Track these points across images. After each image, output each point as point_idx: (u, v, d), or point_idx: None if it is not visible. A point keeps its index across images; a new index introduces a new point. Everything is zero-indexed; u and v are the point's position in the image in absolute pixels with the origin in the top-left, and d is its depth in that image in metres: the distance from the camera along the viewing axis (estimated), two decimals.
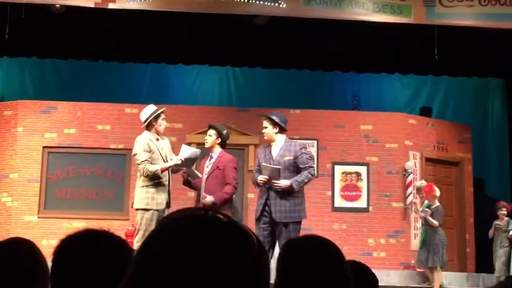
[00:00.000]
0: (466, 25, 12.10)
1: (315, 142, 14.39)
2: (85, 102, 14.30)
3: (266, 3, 11.63)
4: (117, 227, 12.17)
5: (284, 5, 11.67)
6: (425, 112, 15.80)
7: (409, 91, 17.06)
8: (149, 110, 8.90)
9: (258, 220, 8.53)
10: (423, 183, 12.47)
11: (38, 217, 13.31)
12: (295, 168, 8.53)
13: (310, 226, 13.45)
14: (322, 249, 2.30)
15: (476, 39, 12.99)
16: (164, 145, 8.91)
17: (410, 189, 14.14)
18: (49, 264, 2.37)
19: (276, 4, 11.65)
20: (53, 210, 12.97)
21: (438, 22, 12.05)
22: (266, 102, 15.40)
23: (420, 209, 12.15)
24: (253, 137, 14.15)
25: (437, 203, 11.71)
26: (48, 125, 13.95)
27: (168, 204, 8.71)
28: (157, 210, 8.54)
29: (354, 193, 13.42)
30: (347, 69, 14.78)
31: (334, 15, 11.92)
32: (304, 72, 15.03)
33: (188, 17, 12.23)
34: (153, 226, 8.28)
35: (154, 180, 8.60)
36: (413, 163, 14.39)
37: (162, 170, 8.58)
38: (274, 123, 8.71)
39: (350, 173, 14.18)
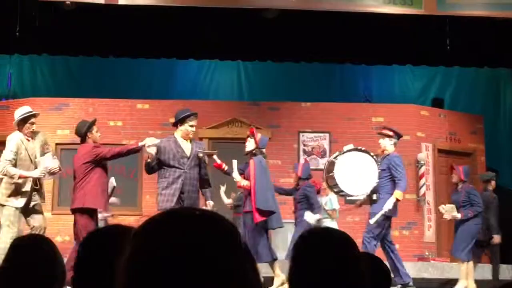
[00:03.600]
0: (477, 15, 12.04)
1: (327, 135, 14.39)
2: (97, 98, 14.34)
3: None
4: (131, 222, 12.19)
5: None
6: (437, 103, 15.77)
7: (421, 82, 17.01)
8: (21, 111, 9.15)
9: None
10: None
11: (52, 214, 13.36)
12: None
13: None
14: (336, 241, 2.30)
15: (487, 29, 12.93)
16: (35, 145, 9.09)
17: (423, 181, 14.11)
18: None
19: None
20: (67, 206, 12.88)
21: (449, 12, 11.98)
22: (277, 95, 15.41)
23: None
24: (265, 131, 14.14)
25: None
26: (60, 122, 14.00)
27: (25, 208, 8.92)
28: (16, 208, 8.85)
29: None
30: (358, 61, 14.74)
31: (344, 7, 11.88)
32: (315, 65, 15.00)
33: (197, 12, 12.22)
34: (14, 221, 8.71)
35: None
36: (425, 154, 14.36)
37: (20, 177, 8.77)
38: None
39: None
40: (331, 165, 9.75)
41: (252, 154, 9.58)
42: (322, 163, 14.16)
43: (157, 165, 8.89)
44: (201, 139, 14.02)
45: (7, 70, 16.39)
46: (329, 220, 11.33)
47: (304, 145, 14.39)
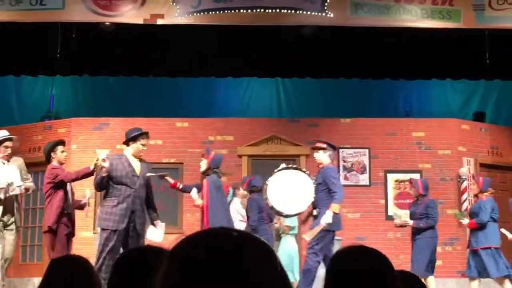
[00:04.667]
0: None
1: (367, 150, 14.31)
2: (137, 117, 14.43)
3: (313, 13, 11.61)
4: (171, 240, 12.21)
5: (331, 15, 11.64)
6: (479, 117, 15.58)
7: (462, 96, 16.84)
8: None
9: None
10: None
11: (94, 233, 13.44)
12: None
13: (364, 235, 13.40)
14: (370, 261, 2.27)
15: None
16: (11, 169, 9.35)
17: (465, 196, 13.95)
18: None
19: (323, 14, 11.62)
20: None
21: (488, 25, 11.87)
22: (316, 112, 15.37)
23: None
24: (304, 148, 14.12)
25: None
26: (101, 142, 14.12)
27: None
28: None
29: (407, 201, 13.25)
30: (397, 76, 14.65)
31: (382, 23, 11.83)
32: (354, 81, 14.96)
33: (235, 30, 12.27)
34: None
35: None
36: (467, 169, 14.19)
37: None
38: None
39: (403, 181, 14.04)
40: (264, 189, 9.76)
41: (205, 174, 9.65)
42: (362, 179, 14.10)
43: (107, 182, 8.86)
44: (240, 156, 14.05)
45: (50, 92, 16.60)
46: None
47: (344, 161, 14.32)
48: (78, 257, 3.22)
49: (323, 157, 9.77)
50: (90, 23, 11.72)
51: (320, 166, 9.76)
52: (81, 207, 10.01)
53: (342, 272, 2.27)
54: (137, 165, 8.96)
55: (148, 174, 9.07)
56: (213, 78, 15.14)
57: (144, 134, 9.12)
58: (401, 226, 11.27)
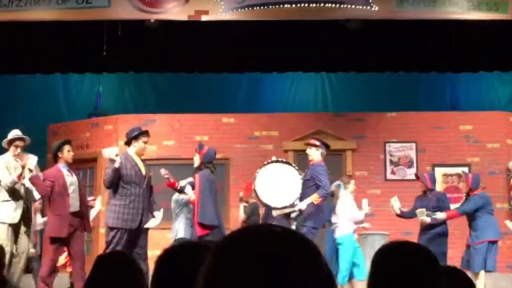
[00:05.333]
0: None
1: (414, 144, 14.18)
2: (183, 113, 14.51)
3: (358, 7, 11.54)
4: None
5: (377, 8, 11.55)
6: None
7: (510, 88, 16.60)
8: (11, 133, 9.66)
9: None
10: None
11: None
12: None
13: (412, 230, 13.26)
14: (415, 257, 2.25)
15: None
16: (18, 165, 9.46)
17: None
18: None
19: (368, 7, 11.54)
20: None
21: None
22: (362, 106, 15.29)
23: None
24: (349, 142, 14.06)
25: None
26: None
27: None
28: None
29: (456, 195, 13.11)
30: (444, 69, 14.48)
31: (428, 16, 11.71)
32: (400, 74, 14.83)
33: (280, 25, 12.25)
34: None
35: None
36: None
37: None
38: None
39: (451, 175, 13.90)
40: (254, 180, 9.84)
41: (198, 169, 9.68)
42: (409, 173, 13.98)
43: (117, 180, 8.98)
44: (285, 151, 14.03)
45: (96, 89, 16.79)
46: None
47: (391, 155, 14.22)
48: (124, 253, 3.25)
49: (315, 154, 9.90)
50: (136, 21, 11.80)
51: (311, 162, 9.87)
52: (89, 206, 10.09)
53: (387, 267, 2.24)
54: (141, 164, 9.14)
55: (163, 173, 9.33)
56: (259, 73, 15.15)
57: (145, 133, 9.31)
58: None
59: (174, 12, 11.57)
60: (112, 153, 9.02)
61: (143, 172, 9.06)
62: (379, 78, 15.26)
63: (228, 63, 13.81)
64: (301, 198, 9.54)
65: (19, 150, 9.58)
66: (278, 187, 9.63)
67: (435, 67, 14.37)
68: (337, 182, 10.64)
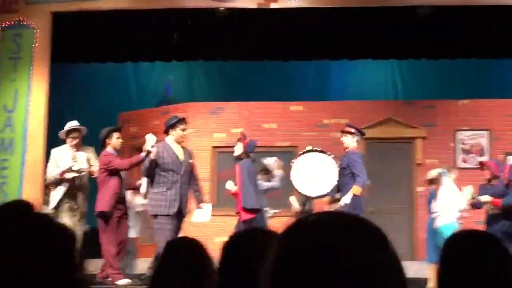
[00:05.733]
0: None
1: (486, 132, 13.92)
2: (251, 101, 14.54)
3: None
4: (284, 223, 12.24)
5: None
6: None
7: None
8: (67, 125, 10.04)
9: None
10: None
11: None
12: None
13: (484, 219, 13.03)
14: (484, 247, 2.20)
15: None
16: (80, 156, 9.90)
17: None
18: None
19: None
20: (224, 208, 13.22)
21: None
22: (432, 93, 15.07)
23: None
24: (420, 130, 13.88)
25: None
26: (217, 126, 14.31)
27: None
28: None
29: None
30: None
31: (500, 0, 11.45)
32: (472, 61, 14.54)
33: (349, 12, 12.14)
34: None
35: None
36: None
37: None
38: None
39: None
40: (289, 171, 9.92)
41: (239, 158, 9.92)
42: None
43: (154, 169, 9.17)
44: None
45: (166, 77, 16.96)
46: None
47: (463, 143, 13.98)
48: (194, 239, 3.27)
49: (350, 141, 9.89)
50: (205, 9, 11.85)
51: (346, 150, 9.86)
52: (136, 188, 10.17)
53: (456, 257, 2.21)
54: (180, 152, 9.32)
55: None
56: (328, 61, 15.06)
57: (182, 120, 9.49)
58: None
59: (243, 0, 11.59)
60: (149, 142, 9.21)
61: (181, 159, 9.26)
62: (450, 65, 15.01)
63: (296, 50, 13.75)
64: (338, 187, 9.62)
65: (76, 141, 9.79)
66: (315, 176, 9.71)
67: (509, 53, 14.03)
68: (440, 170, 10.49)
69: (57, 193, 9.75)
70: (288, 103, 14.52)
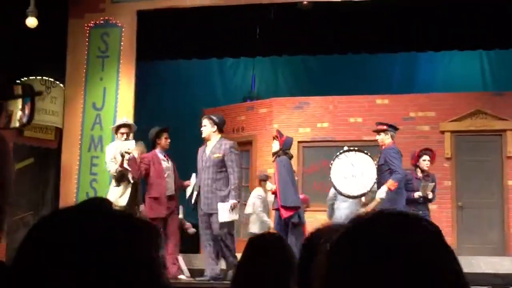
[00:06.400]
0: None
1: None
2: (336, 95, 14.46)
3: None
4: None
5: None
6: None
7: None
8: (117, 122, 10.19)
9: None
10: None
11: None
12: (223, 164, 9.33)
13: None
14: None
15: None
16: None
17: None
18: None
19: None
20: (311, 203, 13.21)
21: None
22: None
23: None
24: (510, 122, 13.52)
25: None
26: (302, 120, 14.29)
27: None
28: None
29: None
30: None
31: None
32: None
33: (435, 3, 11.93)
34: None
35: None
36: None
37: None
38: (214, 123, 9.43)
39: None
40: (329, 171, 9.97)
41: (276, 155, 9.93)
42: None
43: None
44: (442, 132, 13.70)
45: (251, 73, 17.04)
46: None
47: None
48: (276, 234, 3.26)
49: (385, 138, 9.90)
50: (288, 3, 11.84)
51: (383, 147, 9.87)
52: (184, 187, 10.19)
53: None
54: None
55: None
56: (414, 53, 14.81)
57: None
58: None
59: None
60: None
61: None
62: None
63: (381, 43, 13.59)
64: (378, 184, 9.62)
65: (125, 136, 9.87)
66: (354, 176, 9.78)
67: None
68: None
69: (121, 189, 9.82)
70: (374, 96, 14.38)
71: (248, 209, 11.76)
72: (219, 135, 9.54)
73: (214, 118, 9.58)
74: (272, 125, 14.26)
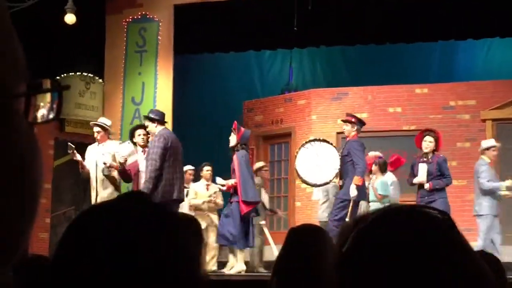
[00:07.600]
0: None
1: None
2: (375, 85, 14.38)
3: None
4: None
5: None
6: None
7: None
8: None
9: None
10: None
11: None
12: None
13: None
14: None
15: None
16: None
17: None
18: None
19: None
20: None
21: None
22: None
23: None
24: None
25: None
26: (340, 111, 14.20)
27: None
28: None
29: None
30: None
31: None
32: None
33: None
34: None
35: None
36: None
37: None
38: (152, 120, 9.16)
39: None
40: (294, 159, 10.33)
41: (234, 149, 9.94)
42: None
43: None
44: (483, 121, 13.55)
45: (289, 64, 17.01)
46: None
47: None
48: (316, 226, 3.26)
49: (351, 130, 10.12)
50: None
51: (347, 138, 10.15)
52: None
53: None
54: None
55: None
56: (453, 41, 14.65)
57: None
58: None
59: None
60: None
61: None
62: None
63: (420, 31, 13.46)
64: (340, 174, 9.97)
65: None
66: (318, 165, 10.11)
67: None
68: None
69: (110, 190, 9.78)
70: (413, 85, 14.27)
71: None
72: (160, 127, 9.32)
73: (152, 115, 9.35)
74: (310, 116, 14.23)
